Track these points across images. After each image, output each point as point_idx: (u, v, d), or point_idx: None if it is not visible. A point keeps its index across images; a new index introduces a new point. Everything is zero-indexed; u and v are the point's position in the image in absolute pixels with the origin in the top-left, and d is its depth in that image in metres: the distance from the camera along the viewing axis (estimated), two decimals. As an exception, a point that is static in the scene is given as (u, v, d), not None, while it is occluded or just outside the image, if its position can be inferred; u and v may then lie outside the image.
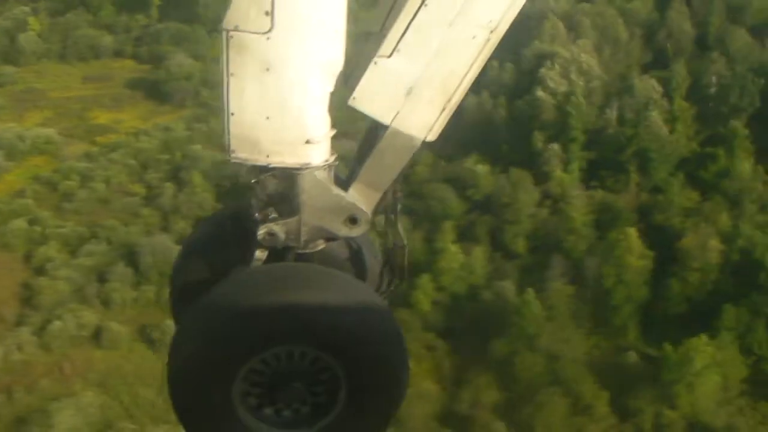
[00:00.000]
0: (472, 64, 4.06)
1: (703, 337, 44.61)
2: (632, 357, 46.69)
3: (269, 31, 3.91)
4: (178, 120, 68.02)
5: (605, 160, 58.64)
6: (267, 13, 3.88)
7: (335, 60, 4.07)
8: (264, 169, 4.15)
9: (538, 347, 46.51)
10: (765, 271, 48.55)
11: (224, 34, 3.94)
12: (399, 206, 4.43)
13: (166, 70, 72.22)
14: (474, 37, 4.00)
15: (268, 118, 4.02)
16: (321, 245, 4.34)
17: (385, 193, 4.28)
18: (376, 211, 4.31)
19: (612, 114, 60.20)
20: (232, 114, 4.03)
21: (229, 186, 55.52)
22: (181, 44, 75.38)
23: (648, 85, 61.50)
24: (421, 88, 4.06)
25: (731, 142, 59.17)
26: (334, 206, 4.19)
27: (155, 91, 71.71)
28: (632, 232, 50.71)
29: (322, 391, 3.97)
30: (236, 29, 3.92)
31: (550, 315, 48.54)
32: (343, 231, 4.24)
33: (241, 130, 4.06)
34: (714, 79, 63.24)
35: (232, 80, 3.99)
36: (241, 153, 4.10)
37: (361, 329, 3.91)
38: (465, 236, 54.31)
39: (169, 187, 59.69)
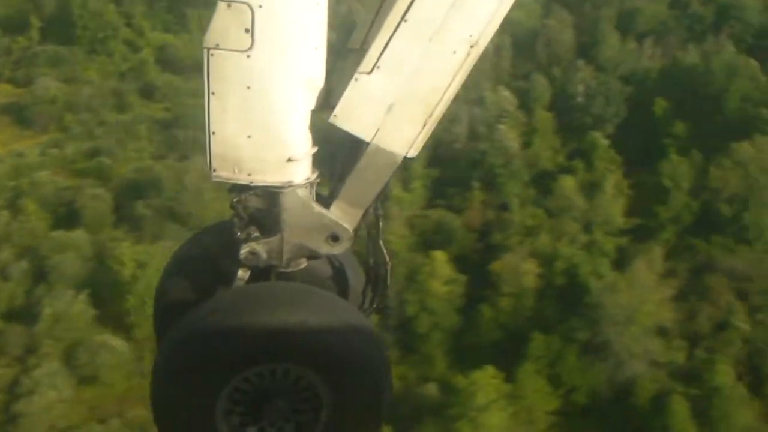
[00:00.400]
0: (452, 79, 4.04)
1: (490, 369, 41.36)
2: (431, 389, 43.73)
3: (249, 48, 3.88)
4: (36, 145, 66.91)
5: (451, 178, 55.92)
6: (247, 31, 3.85)
7: (316, 77, 4.06)
8: (246, 188, 4.10)
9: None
10: (588, 295, 45.58)
11: (205, 52, 3.90)
12: (381, 223, 4.40)
13: (31, 94, 71.11)
14: (454, 52, 4.00)
15: (249, 136, 4.00)
16: (303, 263, 4.32)
17: (366, 211, 4.25)
18: (357, 229, 4.27)
19: (461, 128, 57.49)
20: (213, 133, 4.00)
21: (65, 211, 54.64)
22: (58, 66, 74.32)
23: (501, 97, 58.88)
24: (401, 104, 4.04)
25: (590, 155, 56.49)
26: (316, 224, 4.17)
27: (21, 116, 70.68)
28: (439, 255, 47.72)
29: (306, 409, 3.97)
30: (217, 47, 3.89)
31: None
32: (325, 249, 4.23)
33: (222, 148, 4.03)
34: (580, 88, 60.60)
35: (213, 99, 3.96)
36: (223, 172, 4.06)
37: (343, 347, 3.90)
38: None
39: (3, 215, 58.45)
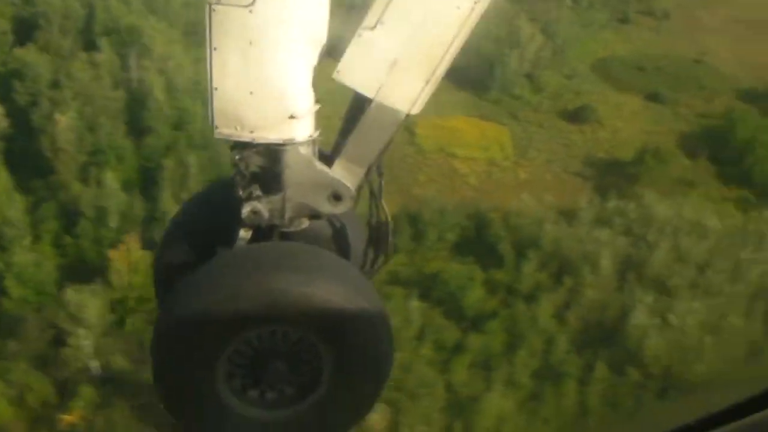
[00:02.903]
0: (456, 36, 4.00)
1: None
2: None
3: (252, 4, 3.82)
4: None
5: None
6: None
7: (319, 33, 4.01)
8: (248, 146, 4.07)
9: None
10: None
11: (207, 7, 3.84)
12: (382, 182, 4.36)
13: None
14: (458, 8, 3.95)
15: (251, 92, 3.95)
16: (305, 223, 4.28)
17: (369, 168, 4.21)
18: (360, 188, 4.24)
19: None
20: (216, 89, 3.96)
21: None
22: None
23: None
24: (405, 60, 4.01)
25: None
26: (319, 182, 4.13)
27: None
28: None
29: (307, 372, 3.96)
30: (219, 2, 3.82)
31: None
32: (327, 207, 4.18)
33: (224, 105, 3.99)
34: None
35: (215, 54, 3.91)
36: (225, 129, 4.03)
37: (344, 308, 3.87)
38: None
39: None
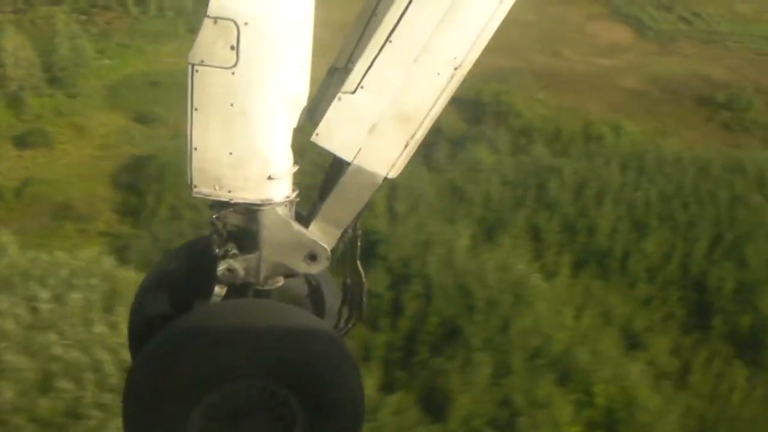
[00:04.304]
0: (436, 101, 4.06)
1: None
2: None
3: (234, 66, 3.89)
4: None
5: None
6: (232, 48, 3.87)
7: (299, 96, 4.09)
8: (226, 205, 4.11)
9: None
10: None
11: (190, 68, 3.92)
12: (359, 243, 4.43)
13: None
14: (438, 74, 4.02)
15: (231, 153, 4.00)
16: (280, 281, 4.32)
17: (345, 230, 4.26)
18: (336, 249, 4.29)
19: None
20: (195, 149, 4.01)
21: None
22: None
23: None
24: (384, 125, 4.06)
25: None
26: (295, 243, 4.18)
27: None
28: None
29: (280, 427, 4.00)
30: (202, 63, 3.90)
31: None
32: (303, 267, 4.22)
33: (203, 164, 4.03)
34: None
35: (196, 115, 3.96)
36: (204, 188, 4.07)
37: (317, 365, 3.92)
38: None
39: None
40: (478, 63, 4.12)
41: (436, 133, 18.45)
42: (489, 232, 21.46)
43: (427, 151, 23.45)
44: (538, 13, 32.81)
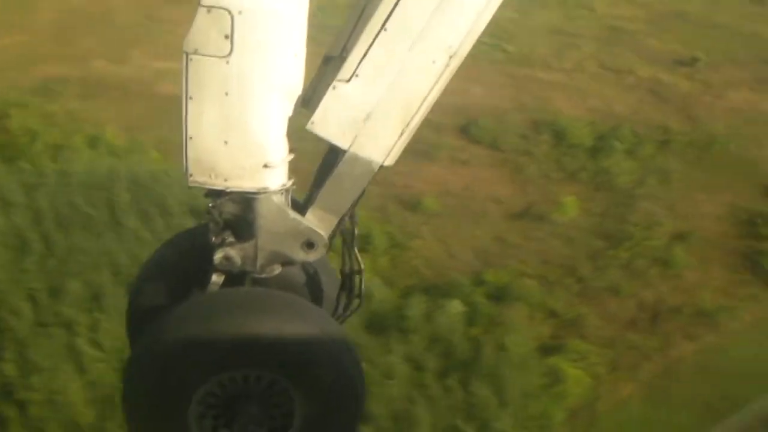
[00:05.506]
0: (431, 89, 4.06)
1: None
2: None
3: (228, 54, 3.89)
4: None
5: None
6: (226, 37, 3.87)
7: (294, 84, 4.10)
8: (221, 193, 4.12)
9: None
10: None
11: (184, 56, 3.91)
12: (356, 230, 4.48)
13: None
14: (434, 62, 4.02)
15: (226, 142, 4.00)
16: (278, 270, 4.33)
17: (342, 218, 4.28)
18: (333, 236, 4.30)
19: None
20: (191, 138, 4.01)
21: None
22: None
23: None
24: (379, 112, 4.06)
25: None
26: (291, 231, 4.18)
27: None
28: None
29: (279, 415, 4.02)
30: (196, 52, 3.90)
31: None
32: (300, 255, 4.23)
33: (199, 153, 4.03)
34: None
35: (190, 104, 3.96)
36: (199, 177, 4.07)
37: (315, 354, 3.93)
38: None
39: None
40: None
41: None
42: None
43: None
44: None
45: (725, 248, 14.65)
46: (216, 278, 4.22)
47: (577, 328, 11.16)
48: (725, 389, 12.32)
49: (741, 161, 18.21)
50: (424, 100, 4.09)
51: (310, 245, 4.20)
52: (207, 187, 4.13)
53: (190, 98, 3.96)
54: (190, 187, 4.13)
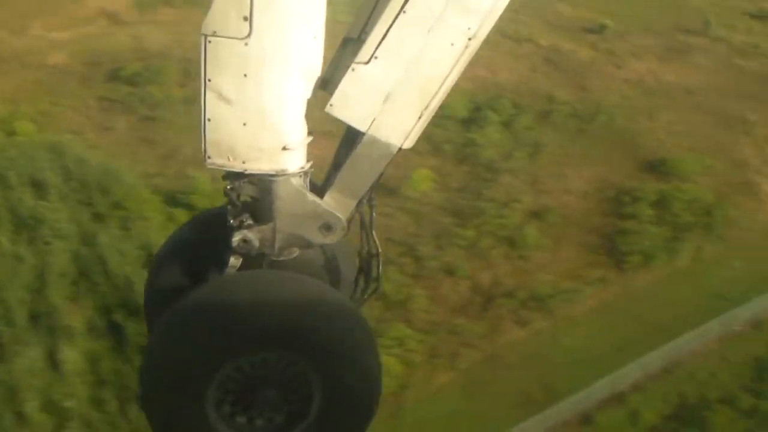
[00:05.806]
0: (450, 71, 4.04)
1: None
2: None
3: (247, 36, 3.86)
4: None
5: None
6: (245, 19, 3.84)
7: (313, 66, 4.07)
8: (240, 176, 4.10)
9: None
10: None
11: (203, 38, 3.89)
12: (374, 213, 4.41)
13: None
14: (452, 45, 3.99)
15: (244, 124, 3.99)
16: (296, 252, 4.31)
17: (360, 200, 4.26)
18: (351, 218, 4.28)
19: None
20: (209, 120, 4.00)
21: None
22: None
23: None
24: (398, 95, 4.04)
25: None
26: (310, 213, 4.17)
27: None
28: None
29: (296, 399, 3.98)
30: (215, 34, 3.88)
31: None
32: (318, 238, 4.22)
33: (217, 135, 4.02)
34: None
35: (209, 86, 3.95)
36: (218, 159, 4.06)
37: (333, 336, 3.91)
38: None
39: None
40: None
41: None
42: None
43: None
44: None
45: (584, 227, 14.31)
46: (234, 261, 4.21)
47: (404, 311, 10.79)
48: (548, 379, 12.02)
49: (624, 134, 17.80)
50: (443, 82, 4.07)
51: (328, 228, 4.20)
52: (225, 169, 4.12)
53: (209, 80, 3.95)
54: (208, 168, 4.10)
